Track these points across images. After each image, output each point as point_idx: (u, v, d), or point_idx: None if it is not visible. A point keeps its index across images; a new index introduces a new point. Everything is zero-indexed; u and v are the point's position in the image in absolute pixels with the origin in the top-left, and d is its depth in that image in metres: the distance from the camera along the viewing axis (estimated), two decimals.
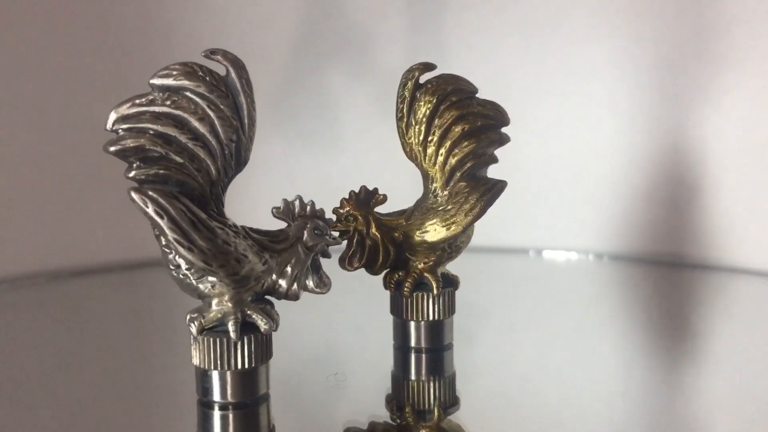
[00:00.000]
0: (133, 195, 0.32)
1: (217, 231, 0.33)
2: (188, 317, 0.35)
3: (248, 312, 0.34)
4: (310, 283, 0.36)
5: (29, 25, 0.62)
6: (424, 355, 0.42)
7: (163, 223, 0.32)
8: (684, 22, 0.61)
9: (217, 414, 0.35)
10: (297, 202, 0.36)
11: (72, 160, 0.64)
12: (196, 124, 0.33)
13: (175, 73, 0.33)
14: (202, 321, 0.34)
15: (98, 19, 0.64)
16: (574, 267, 0.65)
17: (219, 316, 0.34)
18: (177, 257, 0.33)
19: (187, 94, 0.33)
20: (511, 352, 0.47)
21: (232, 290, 0.34)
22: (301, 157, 0.65)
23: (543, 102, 0.65)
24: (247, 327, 0.35)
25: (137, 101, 0.33)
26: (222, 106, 0.33)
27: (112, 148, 0.32)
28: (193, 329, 0.34)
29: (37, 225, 0.63)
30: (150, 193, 0.32)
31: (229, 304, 0.34)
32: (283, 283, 0.35)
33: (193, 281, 0.34)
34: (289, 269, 0.35)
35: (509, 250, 0.67)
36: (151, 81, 0.33)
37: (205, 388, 0.35)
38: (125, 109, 0.33)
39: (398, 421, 0.37)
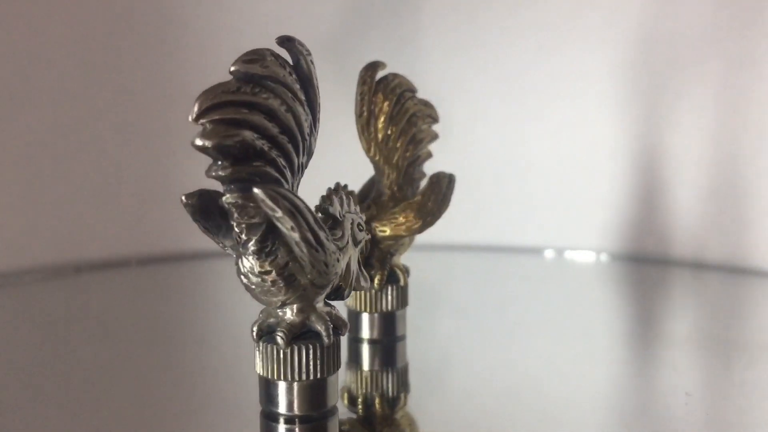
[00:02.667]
0: (258, 192, 0.29)
1: (326, 229, 0.31)
2: (256, 329, 0.32)
3: (332, 316, 0.33)
4: (360, 282, 0.35)
5: (38, 21, 0.61)
6: (377, 346, 0.42)
7: (295, 222, 0.29)
8: (693, 23, 0.61)
9: (282, 427, 0.33)
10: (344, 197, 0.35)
11: (86, 154, 0.64)
12: (282, 116, 0.31)
13: (261, 60, 0.30)
14: (293, 330, 0.32)
15: (110, 13, 0.63)
16: (581, 267, 0.64)
17: (306, 322, 0.32)
18: (267, 263, 0.30)
19: (272, 84, 0.31)
20: (488, 347, 0.47)
21: (318, 294, 0.32)
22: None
23: (555, 103, 0.65)
24: (312, 335, 0.33)
25: (223, 90, 0.30)
26: (302, 97, 0.32)
27: (207, 143, 0.29)
28: (281, 341, 0.31)
29: (52, 218, 0.63)
30: (279, 190, 0.29)
31: (315, 310, 0.32)
32: (343, 283, 0.34)
33: (283, 286, 0.31)
34: (347, 269, 0.34)
35: (517, 249, 0.67)
36: (234, 68, 0.30)
37: (270, 399, 0.33)
38: (213, 99, 0.29)
39: (360, 413, 0.37)
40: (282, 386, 0.33)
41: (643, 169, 0.64)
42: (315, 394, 0.33)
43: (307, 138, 0.32)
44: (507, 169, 0.67)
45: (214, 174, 0.29)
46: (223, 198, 0.30)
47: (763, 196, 0.61)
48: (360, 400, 0.39)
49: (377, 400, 0.38)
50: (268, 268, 0.31)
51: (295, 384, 0.32)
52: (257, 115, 0.30)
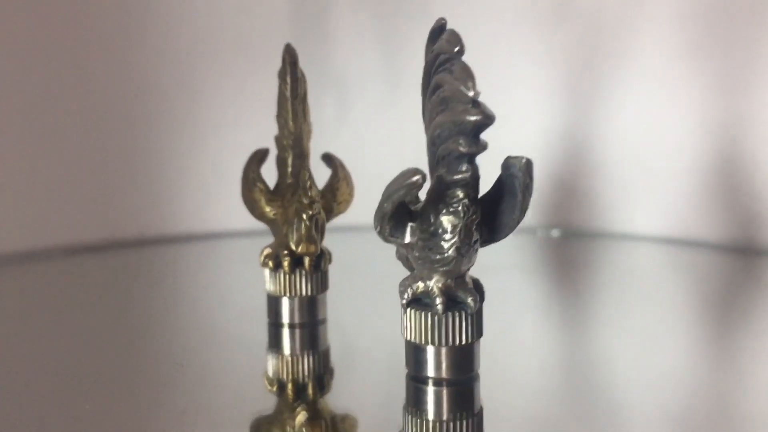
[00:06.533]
0: (528, 161, 0.32)
1: None
2: (442, 299, 0.33)
3: None
4: None
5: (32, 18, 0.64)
6: (298, 331, 0.42)
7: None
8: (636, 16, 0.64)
9: (431, 389, 0.34)
10: None
11: (60, 139, 0.66)
12: None
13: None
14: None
15: (76, 8, 0.65)
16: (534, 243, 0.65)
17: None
18: (476, 231, 0.33)
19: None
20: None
21: None
22: None
23: (513, 91, 0.67)
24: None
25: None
26: None
27: (489, 119, 0.31)
28: (472, 304, 0.33)
29: (43, 201, 0.65)
30: None
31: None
32: None
33: (474, 252, 0.33)
34: None
35: None
36: (458, 48, 0.32)
37: (419, 364, 0.34)
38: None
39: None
40: (433, 351, 0.34)
41: (595, 149, 0.68)
42: (465, 358, 0.34)
43: None
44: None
45: (475, 150, 0.31)
46: (467, 173, 0.32)
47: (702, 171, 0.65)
48: (282, 383, 0.39)
49: (301, 384, 0.39)
50: (476, 237, 0.33)
51: (444, 348, 0.34)
52: None
